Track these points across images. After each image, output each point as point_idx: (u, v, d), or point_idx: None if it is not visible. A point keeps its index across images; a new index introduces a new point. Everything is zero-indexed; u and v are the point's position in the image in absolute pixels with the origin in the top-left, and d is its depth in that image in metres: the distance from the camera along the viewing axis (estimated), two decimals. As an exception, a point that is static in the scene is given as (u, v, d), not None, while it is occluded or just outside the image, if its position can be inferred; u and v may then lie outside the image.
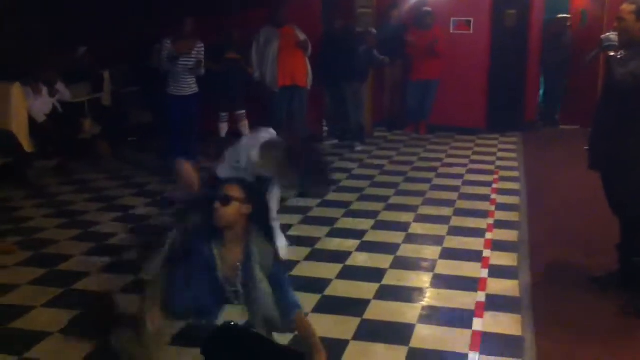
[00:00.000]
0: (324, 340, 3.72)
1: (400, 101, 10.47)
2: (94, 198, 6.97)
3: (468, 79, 10.27)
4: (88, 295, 4.45)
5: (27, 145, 7.54)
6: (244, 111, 8.81)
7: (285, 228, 5.52)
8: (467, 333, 3.87)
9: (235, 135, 8.79)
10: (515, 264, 4.95)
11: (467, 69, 10.25)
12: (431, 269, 4.88)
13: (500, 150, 9.18)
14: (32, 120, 7.74)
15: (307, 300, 4.27)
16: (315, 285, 4.56)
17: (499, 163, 8.35)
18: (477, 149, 9.24)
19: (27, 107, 7.65)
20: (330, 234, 5.60)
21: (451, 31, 10.24)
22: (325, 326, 3.95)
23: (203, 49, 7.69)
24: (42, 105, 8.05)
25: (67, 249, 5.38)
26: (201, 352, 1.22)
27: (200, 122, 8.05)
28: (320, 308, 4.22)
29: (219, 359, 1.10)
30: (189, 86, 7.73)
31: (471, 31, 10.30)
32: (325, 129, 10.08)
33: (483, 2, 10.21)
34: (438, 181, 7.42)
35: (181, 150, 7.03)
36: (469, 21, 10.26)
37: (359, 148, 9.17)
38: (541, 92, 11.09)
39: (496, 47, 10.27)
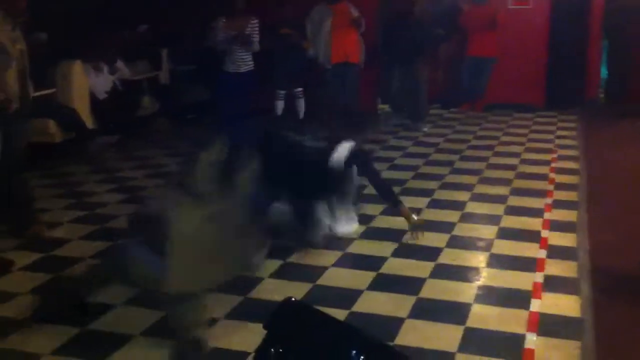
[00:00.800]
0: (379, 317, 3.78)
1: (455, 78, 10.30)
2: (152, 174, 7.11)
3: (526, 55, 10.03)
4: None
5: (88, 121, 7.75)
6: (301, 89, 8.83)
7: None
8: (524, 314, 3.83)
9: (291, 113, 8.86)
10: (574, 244, 4.86)
11: (525, 44, 10.01)
12: (487, 248, 4.83)
13: (560, 128, 8.99)
14: (93, 98, 7.94)
15: (362, 278, 4.32)
16: (371, 262, 4.57)
17: (558, 142, 8.18)
18: (535, 127, 9.07)
19: (88, 84, 7.84)
20: (385, 212, 5.58)
21: (509, 6, 10.01)
22: (380, 304, 3.97)
23: (257, 25, 7.72)
24: (103, 82, 8.22)
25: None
26: (264, 327, 1.24)
27: (256, 99, 8.13)
28: (375, 286, 4.23)
29: (282, 335, 1.12)
30: (245, 63, 7.80)
31: (530, 5, 10.05)
32: (381, 107, 10.03)
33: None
34: (495, 160, 7.33)
35: (234, 127, 7.11)
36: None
37: (425, 129, 9.03)
38: (604, 68, 10.74)
39: (556, 22, 10.00)
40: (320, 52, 8.52)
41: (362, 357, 1.10)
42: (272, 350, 1.13)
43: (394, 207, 5.03)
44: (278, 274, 4.44)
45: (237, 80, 7.84)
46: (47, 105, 7.32)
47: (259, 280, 4.31)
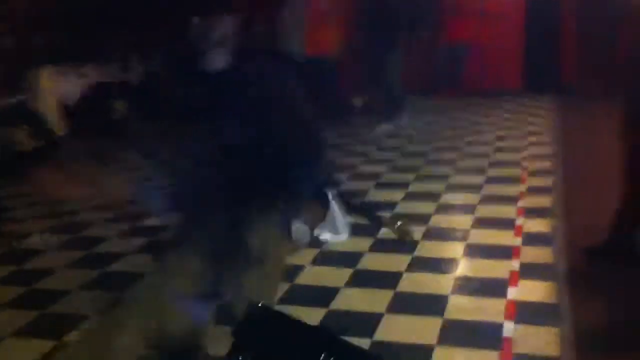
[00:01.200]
0: (357, 314, 3.77)
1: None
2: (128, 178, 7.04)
3: (502, 38, 9.96)
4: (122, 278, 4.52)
5: (59, 128, 7.66)
6: None
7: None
8: (501, 302, 3.84)
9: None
10: (549, 230, 4.89)
11: (500, 27, 9.94)
12: (464, 238, 4.84)
13: (533, 115, 9.03)
14: (63, 103, 7.84)
15: (340, 275, 4.30)
16: (346, 259, 4.56)
17: (531, 128, 8.22)
18: (508, 115, 9.11)
19: (57, 90, 7.74)
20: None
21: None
22: (357, 300, 3.96)
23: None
24: (72, 87, 8.12)
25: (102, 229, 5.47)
26: (232, 334, 1.22)
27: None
28: (352, 282, 4.22)
29: (251, 341, 1.10)
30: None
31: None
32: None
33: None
34: (469, 149, 7.35)
35: None
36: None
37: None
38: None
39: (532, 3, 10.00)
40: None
41: (322, 356, 1.08)
42: (241, 358, 1.11)
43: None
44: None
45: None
46: (16, 113, 7.23)
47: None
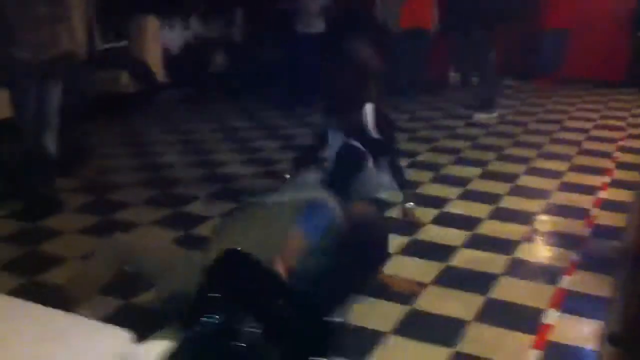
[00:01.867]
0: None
1: (531, 50, 9.91)
2: (216, 129, 7.32)
3: (607, 26, 9.53)
4: (193, 218, 4.74)
5: (160, 75, 8.00)
6: None
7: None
8: (550, 289, 3.77)
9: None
10: (621, 225, 4.72)
11: (606, 13, 9.49)
12: (530, 222, 4.75)
13: (637, 107, 8.60)
14: (165, 53, 8.17)
15: (397, 242, 4.34)
16: (408, 229, 4.58)
17: (631, 120, 7.86)
18: (611, 104, 8.72)
19: (161, 39, 8.07)
20: (435, 180, 5.57)
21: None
22: (408, 269, 4.00)
23: None
24: (176, 38, 8.44)
25: (182, 173, 5.73)
26: (204, 273, 1.29)
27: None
28: (407, 250, 4.25)
29: (219, 282, 1.18)
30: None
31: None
32: (453, 74, 9.87)
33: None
34: (559, 134, 7.12)
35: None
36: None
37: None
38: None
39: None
40: (389, 17, 8.42)
41: (281, 302, 1.17)
42: (209, 295, 1.21)
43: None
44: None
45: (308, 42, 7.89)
46: (120, 57, 7.60)
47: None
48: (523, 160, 6.18)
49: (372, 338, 3.24)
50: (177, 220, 4.71)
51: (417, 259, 4.13)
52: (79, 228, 4.53)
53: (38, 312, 1.57)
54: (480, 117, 7.79)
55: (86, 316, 1.53)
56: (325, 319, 1.02)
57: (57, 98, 4.77)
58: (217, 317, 1.14)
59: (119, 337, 1.46)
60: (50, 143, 4.75)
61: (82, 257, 3.91)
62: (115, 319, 3.07)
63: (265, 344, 1.07)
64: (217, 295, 1.19)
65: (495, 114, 7.96)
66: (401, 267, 4.00)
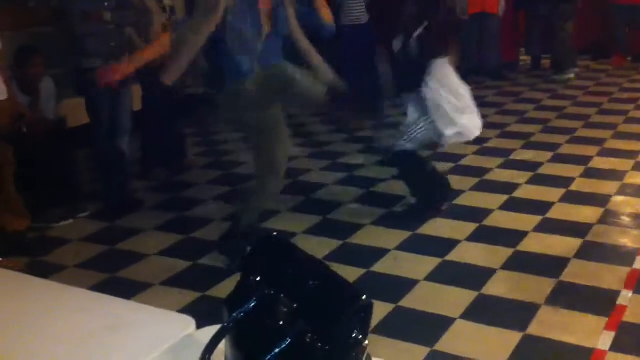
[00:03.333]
0: (472, 267, 3.82)
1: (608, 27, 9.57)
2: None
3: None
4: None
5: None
6: None
7: (457, 158, 5.58)
8: (625, 271, 3.70)
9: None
10: (701, 203, 4.56)
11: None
12: (604, 204, 4.65)
13: None
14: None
15: (464, 229, 4.34)
16: (476, 214, 4.57)
17: None
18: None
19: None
20: (503, 166, 5.51)
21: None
22: (476, 254, 4.00)
23: None
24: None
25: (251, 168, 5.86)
26: (242, 259, 1.36)
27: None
28: (475, 237, 4.24)
29: (258, 267, 1.24)
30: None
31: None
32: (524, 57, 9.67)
33: None
34: (635, 114, 6.90)
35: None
36: None
37: (571, 75, 8.56)
38: None
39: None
40: (457, 2, 8.32)
41: (312, 282, 1.24)
42: (251, 279, 1.28)
43: None
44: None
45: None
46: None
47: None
48: (597, 141, 6.02)
49: (439, 323, 3.28)
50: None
51: (484, 245, 4.12)
52: (157, 225, 4.72)
53: (101, 302, 1.68)
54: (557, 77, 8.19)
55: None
56: (364, 300, 1.07)
57: (129, 103, 4.98)
58: (256, 299, 1.21)
59: (181, 323, 1.55)
60: (125, 146, 4.96)
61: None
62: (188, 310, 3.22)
63: (305, 324, 1.14)
64: (257, 278, 1.26)
65: (572, 75, 8.32)
66: (467, 253, 4.01)
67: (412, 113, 4.40)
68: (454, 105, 4.16)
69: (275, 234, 1.45)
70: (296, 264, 1.37)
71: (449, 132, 4.20)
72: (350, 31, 6.71)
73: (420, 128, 4.30)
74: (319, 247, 4.15)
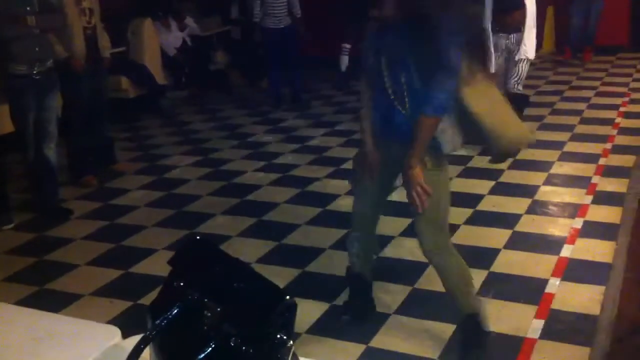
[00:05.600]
0: (406, 262, 3.85)
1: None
2: (219, 126, 7.38)
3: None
4: (196, 217, 4.81)
5: (159, 77, 8.06)
6: None
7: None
8: (553, 259, 3.80)
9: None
10: (623, 190, 4.73)
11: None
12: (532, 195, 4.77)
13: (639, 70, 8.56)
14: (163, 54, 8.23)
15: (396, 224, 4.38)
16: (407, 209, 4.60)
17: (633, 84, 7.82)
18: (612, 70, 8.68)
19: (158, 41, 8.13)
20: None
21: None
22: (409, 248, 4.04)
23: None
24: (173, 39, 8.49)
25: (185, 173, 5.80)
26: (168, 263, 1.33)
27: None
28: (407, 232, 4.27)
29: (183, 270, 1.23)
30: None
31: None
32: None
33: None
34: (561, 105, 7.11)
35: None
36: None
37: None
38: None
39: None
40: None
41: (237, 285, 1.22)
42: (175, 284, 1.26)
43: None
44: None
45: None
46: (119, 63, 7.66)
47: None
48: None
49: (375, 319, 3.31)
50: (182, 220, 4.76)
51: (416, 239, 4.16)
52: (87, 234, 4.61)
53: (24, 315, 1.63)
54: None
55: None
56: (287, 300, 1.06)
57: (55, 110, 4.85)
58: (179, 305, 1.20)
59: (106, 334, 1.52)
60: (52, 154, 4.83)
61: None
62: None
63: (229, 327, 1.12)
64: (181, 283, 1.24)
65: None
66: (401, 248, 4.05)
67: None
68: None
69: (199, 237, 1.43)
70: (220, 267, 1.35)
71: None
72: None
73: None
74: (254, 249, 4.14)
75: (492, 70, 5.35)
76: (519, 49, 5.36)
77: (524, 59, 5.40)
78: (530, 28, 5.32)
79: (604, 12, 9.17)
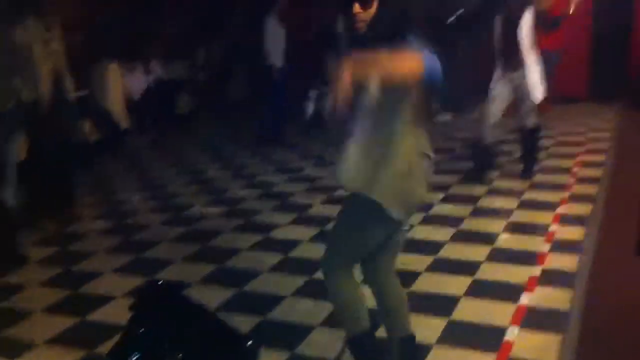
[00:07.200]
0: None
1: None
2: (184, 171, 7.35)
3: (569, 46, 9.64)
4: (156, 263, 4.75)
5: (123, 121, 8.04)
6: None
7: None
8: (512, 307, 3.82)
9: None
10: (581, 238, 4.80)
11: (568, 35, 9.62)
12: (492, 242, 4.82)
13: (596, 121, 8.79)
14: (128, 98, 8.23)
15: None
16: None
17: (591, 134, 8.02)
18: (571, 120, 8.90)
19: (122, 85, 8.13)
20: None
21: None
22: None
23: None
24: (138, 83, 8.50)
25: (146, 218, 5.74)
26: (129, 308, 1.31)
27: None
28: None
29: (144, 316, 1.21)
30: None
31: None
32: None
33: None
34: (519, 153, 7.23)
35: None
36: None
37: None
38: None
39: (599, 10, 9.71)
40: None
41: (198, 330, 1.21)
42: (135, 330, 1.24)
43: None
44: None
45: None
46: (82, 106, 7.62)
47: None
48: (484, 181, 6.27)
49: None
50: (142, 266, 4.70)
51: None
52: (43, 280, 4.51)
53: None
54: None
55: None
56: (249, 345, 1.05)
57: (14, 153, 4.79)
58: (139, 353, 1.18)
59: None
60: (10, 197, 4.76)
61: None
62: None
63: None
64: (142, 329, 1.22)
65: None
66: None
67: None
68: None
69: (161, 282, 1.41)
70: (182, 313, 1.34)
71: None
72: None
73: None
74: (214, 296, 4.08)
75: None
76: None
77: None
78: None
79: (564, 65, 9.46)
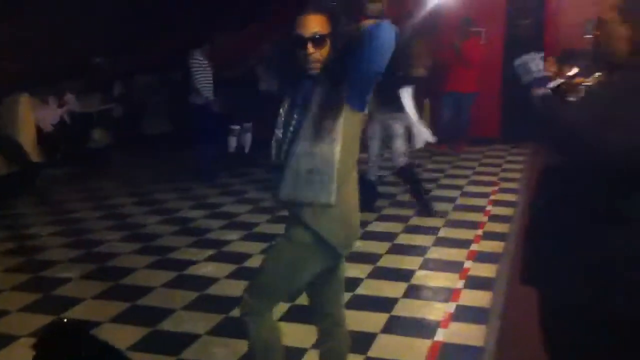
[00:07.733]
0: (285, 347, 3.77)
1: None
2: (97, 206, 7.12)
3: (481, 89, 10.05)
4: (64, 301, 4.55)
5: (34, 154, 7.76)
6: (250, 123, 8.80)
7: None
8: (427, 343, 3.85)
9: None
10: (494, 275, 4.91)
11: (481, 77, 10.02)
12: (408, 279, 4.87)
13: (508, 161, 9.11)
14: (39, 131, 7.96)
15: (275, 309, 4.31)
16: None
17: (503, 175, 8.29)
18: (484, 160, 9.18)
19: (34, 117, 7.87)
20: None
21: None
22: (289, 331, 3.96)
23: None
24: (50, 115, 8.25)
25: (55, 254, 5.52)
26: (32, 347, 1.24)
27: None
28: (287, 316, 4.23)
29: (49, 358, 1.14)
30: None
31: (483, 40, 10.21)
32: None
33: (496, 13, 10.15)
34: (436, 192, 7.40)
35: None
36: (480, 32, 10.16)
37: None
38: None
39: (509, 54, 10.14)
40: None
41: None
42: None
43: None
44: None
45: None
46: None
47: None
48: (401, 219, 6.36)
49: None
50: (49, 305, 4.50)
51: (296, 324, 4.12)
52: None
53: None
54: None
55: None
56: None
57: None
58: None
59: None
60: None
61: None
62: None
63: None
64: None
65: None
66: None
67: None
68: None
69: (66, 320, 1.34)
70: (89, 352, 1.27)
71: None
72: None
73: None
74: (126, 335, 3.94)
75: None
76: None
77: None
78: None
79: (478, 106, 9.83)
